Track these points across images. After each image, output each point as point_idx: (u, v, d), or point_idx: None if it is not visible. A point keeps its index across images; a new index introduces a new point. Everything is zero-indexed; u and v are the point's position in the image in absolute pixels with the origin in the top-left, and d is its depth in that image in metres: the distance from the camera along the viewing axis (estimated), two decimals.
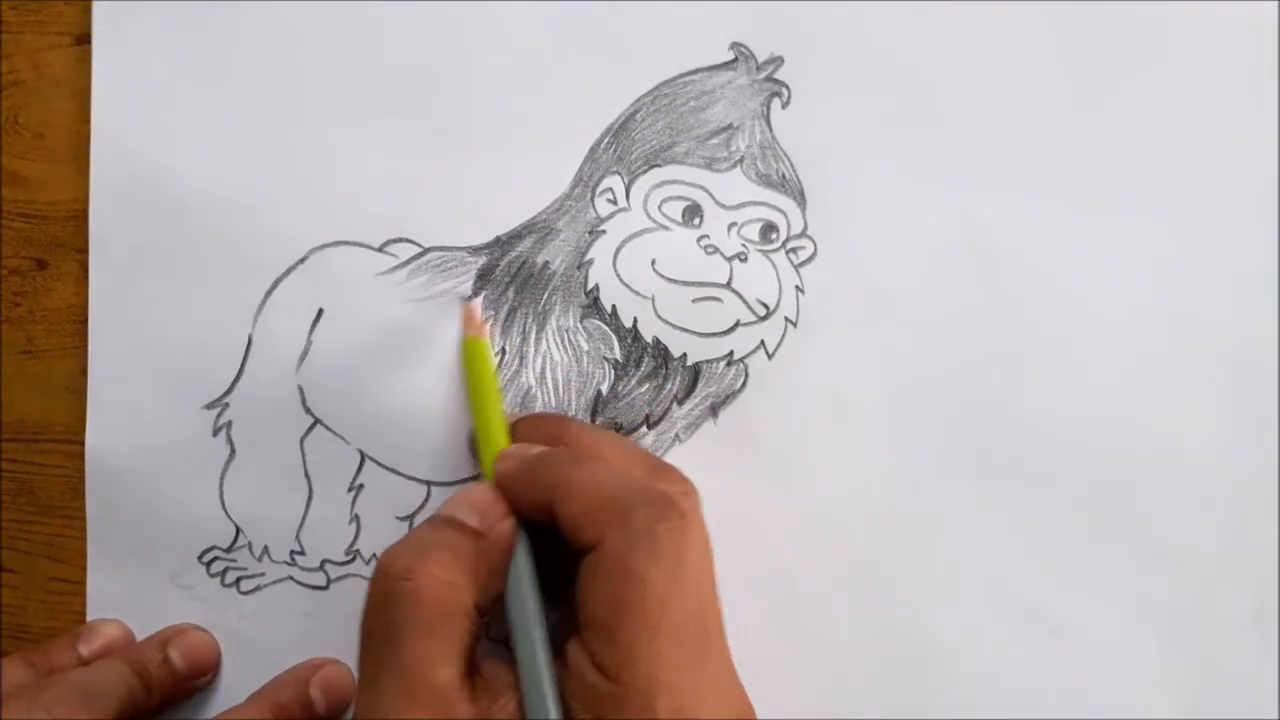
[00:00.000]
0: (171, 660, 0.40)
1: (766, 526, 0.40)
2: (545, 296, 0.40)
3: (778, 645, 0.40)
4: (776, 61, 0.40)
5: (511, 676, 0.33)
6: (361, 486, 0.40)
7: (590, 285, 0.40)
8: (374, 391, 0.40)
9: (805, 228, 0.40)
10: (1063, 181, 0.40)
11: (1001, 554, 0.40)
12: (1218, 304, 0.40)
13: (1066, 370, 0.40)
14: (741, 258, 0.40)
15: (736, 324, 0.40)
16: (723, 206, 0.40)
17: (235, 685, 0.41)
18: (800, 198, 0.40)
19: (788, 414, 0.40)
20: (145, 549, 0.41)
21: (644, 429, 0.40)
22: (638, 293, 0.40)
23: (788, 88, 0.40)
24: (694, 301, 0.40)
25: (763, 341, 0.40)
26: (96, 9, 0.41)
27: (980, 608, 0.40)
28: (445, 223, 0.40)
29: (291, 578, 0.41)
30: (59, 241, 0.41)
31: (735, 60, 0.40)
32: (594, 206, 0.40)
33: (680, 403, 0.40)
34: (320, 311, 0.40)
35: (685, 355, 0.40)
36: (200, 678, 0.40)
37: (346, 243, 0.40)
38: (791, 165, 0.40)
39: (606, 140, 0.40)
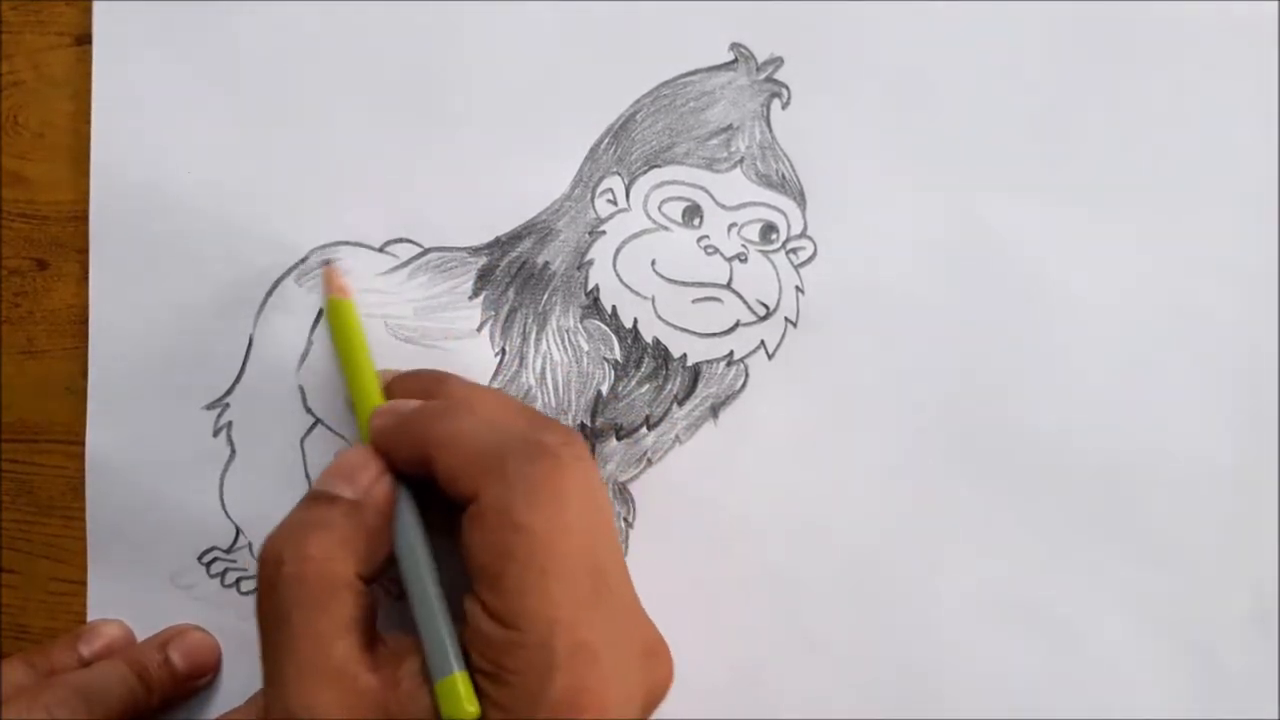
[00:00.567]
0: (172, 661, 0.40)
1: (766, 526, 0.40)
2: (545, 297, 0.40)
3: (778, 645, 0.40)
4: (776, 62, 0.40)
5: (414, 639, 0.33)
6: None
7: (590, 286, 0.40)
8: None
9: (805, 228, 0.40)
10: (1063, 182, 0.40)
11: (1001, 554, 0.40)
12: (1219, 303, 0.40)
13: (1067, 370, 0.40)
14: (741, 258, 0.40)
15: (736, 324, 0.40)
16: (723, 207, 0.40)
17: (235, 686, 0.41)
18: (800, 198, 0.40)
19: (788, 414, 0.40)
20: (145, 549, 0.41)
21: (644, 429, 0.40)
22: (638, 293, 0.40)
23: (788, 88, 0.40)
24: (694, 302, 0.40)
25: (763, 342, 0.40)
26: (96, 9, 0.41)
27: (980, 607, 0.40)
28: (445, 223, 0.40)
29: None
30: (59, 242, 0.41)
31: (735, 61, 0.40)
32: (594, 207, 0.40)
33: (680, 403, 0.40)
34: (320, 311, 0.40)
35: (685, 355, 0.40)
36: (200, 678, 0.40)
37: (347, 243, 0.40)
38: (791, 166, 0.40)
39: (606, 141, 0.40)
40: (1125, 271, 0.40)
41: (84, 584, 0.41)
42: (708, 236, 0.40)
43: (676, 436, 0.40)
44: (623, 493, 0.40)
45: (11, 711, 0.36)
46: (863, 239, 0.40)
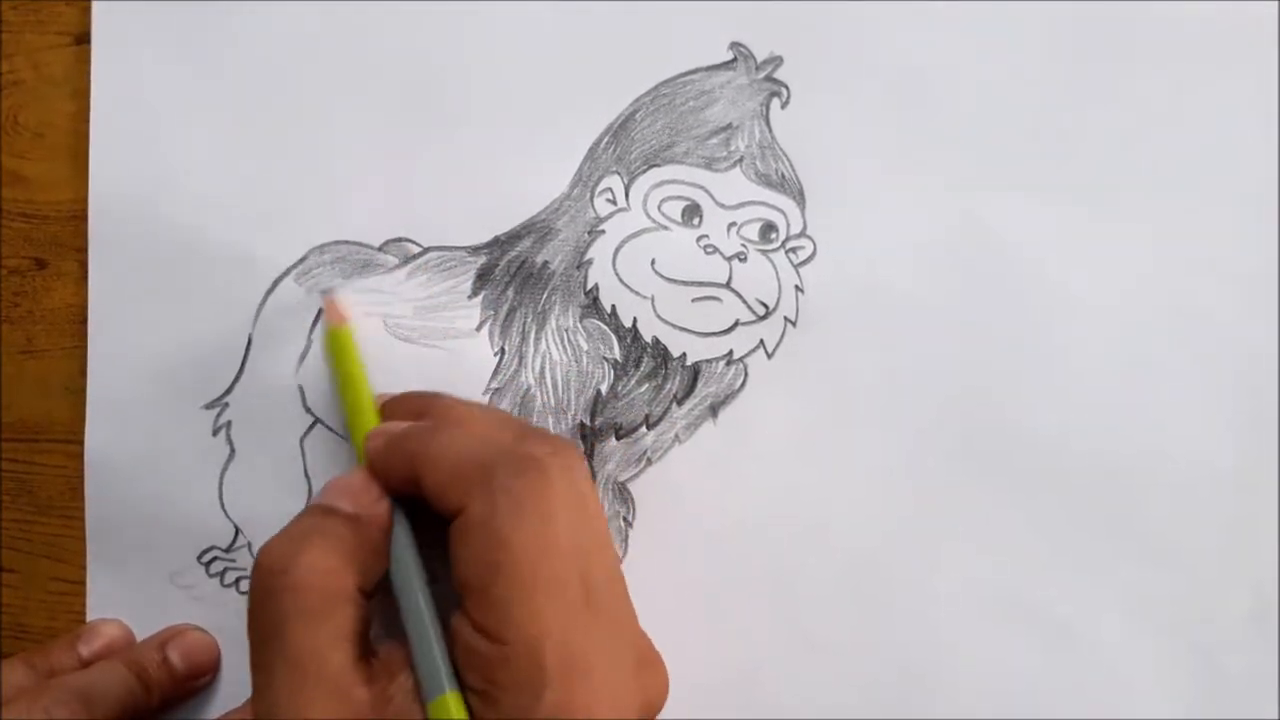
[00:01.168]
0: (171, 661, 0.40)
1: (766, 526, 0.40)
2: (545, 296, 0.40)
3: (778, 645, 0.40)
4: (776, 61, 0.40)
5: (407, 653, 0.33)
6: None
7: (590, 285, 0.40)
8: (373, 390, 0.40)
9: (805, 227, 0.40)
10: (1063, 182, 0.40)
11: (1001, 553, 0.40)
12: (1218, 303, 0.40)
13: (1067, 370, 0.40)
14: (741, 257, 0.40)
15: (736, 323, 0.40)
16: (722, 206, 0.40)
17: (235, 686, 0.41)
18: (800, 197, 0.40)
19: (788, 414, 0.40)
20: (145, 549, 0.41)
21: (644, 429, 0.40)
22: (637, 292, 0.40)
23: (787, 87, 0.40)
24: (693, 301, 0.40)
25: (762, 341, 0.40)
26: (96, 9, 0.41)
27: (980, 607, 0.40)
28: (445, 222, 0.40)
29: None
30: (59, 241, 0.41)
31: (735, 60, 0.40)
32: (593, 206, 0.40)
33: (680, 402, 0.40)
34: (320, 311, 0.40)
35: (685, 355, 0.40)
36: (200, 678, 0.40)
37: (346, 242, 0.40)
38: (791, 165, 0.40)
39: (606, 140, 0.40)
40: (1125, 271, 0.40)
41: (83, 584, 0.41)
42: (707, 236, 0.40)
43: (676, 436, 0.40)
44: (622, 492, 0.40)
45: (11, 713, 0.36)
46: (862, 238, 0.40)
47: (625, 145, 0.40)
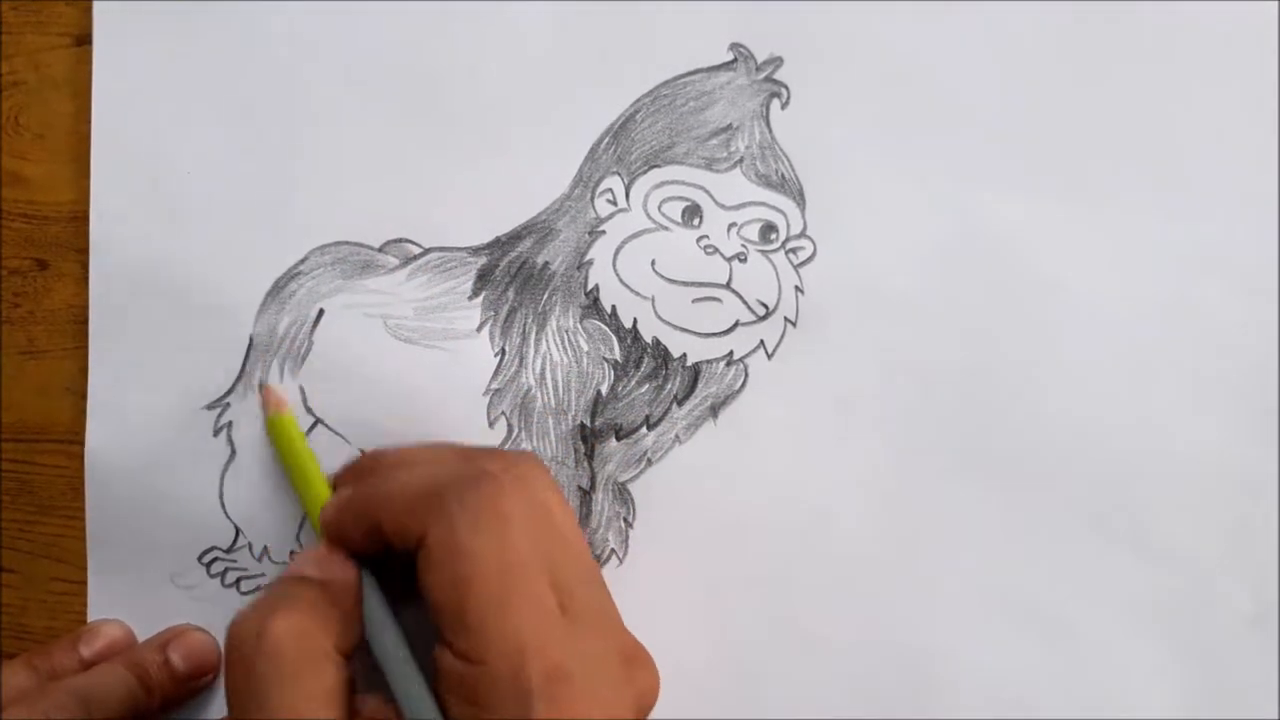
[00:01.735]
0: (172, 662, 0.40)
1: (766, 526, 0.40)
2: (545, 297, 0.40)
3: (778, 645, 0.40)
4: (776, 62, 0.40)
5: (392, 706, 0.33)
6: None
7: (590, 285, 0.40)
8: (374, 391, 0.40)
9: (805, 228, 0.40)
10: (1063, 181, 0.40)
11: (1001, 553, 0.40)
12: (1218, 302, 0.40)
13: (1067, 370, 0.40)
14: (741, 258, 0.40)
15: (736, 324, 0.40)
16: (722, 207, 0.40)
17: None
18: (800, 198, 0.40)
19: (788, 414, 0.40)
20: (145, 549, 0.41)
21: (644, 429, 0.40)
22: (638, 293, 0.40)
23: (787, 88, 0.40)
24: (694, 302, 0.40)
25: (762, 341, 0.40)
26: (97, 9, 0.41)
27: (980, 607, 0.40)
28: (445, 223, 0.40)
29: None
30: (59, 242, 0.41)
31: (735, 61, 0.40)
32: (594, 207, 0.40)
33: (680, 403, 0.40)
34: (320, 311, 0.40)
35: (685, 355, 0.40)
36: (201, 679, 0.40)
37: (347, 243, 0.40)
38: (791, 165, 0.40)
39: (606, 141, 0.40)
40: (1126, 272, 0.40)
41: (84, 584, 0.41)
42: (707, 236, 0.40)
43: (676, 436, 0.40)
44: (623, 493, 0.40)
45: (11, 715, 0.36)
46: (863, 239, 0.40)
47: (626, 146, 0.40)
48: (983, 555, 0.40)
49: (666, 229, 0.40)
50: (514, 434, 0.40)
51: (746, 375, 0.40)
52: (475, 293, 0.40)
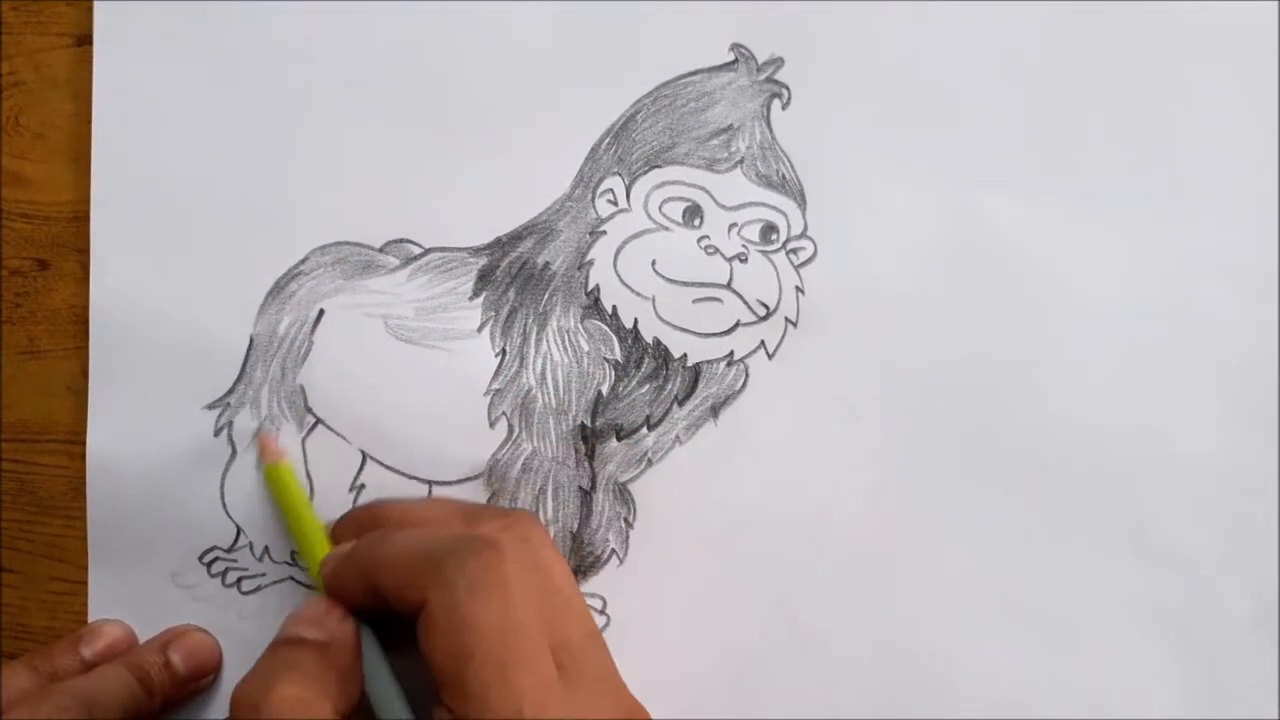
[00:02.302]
0: (173, 663, 0.40)
1: (766, 526, 0.40)
2: (546, 297, 0.40)
3: (778, 645, 0.40)
4: (776, 62, 0.40)
5: None
6: (363, 486, 0.40)
7: (591, 286, 0.40)
8: (375, 391, 0.40)
9: (805, 228, 0.40)
10: (1062, 181, 0.40)
11: (1001, 554, 0.40)
12: (1218, 303, 0.40)
13: (1067, 370, 0.40)
14: (742, 258, 0.40)
15: (737, 324, 0.40)
16: (723, 207, 0.40)
17: None
18: (800, 198, 0.40)
19: (788, 414, 0.40)
20: (146, 549, 0.41)
21: (645, 429, 0.40)
22: (638, 293, 0.40)
23: (788, 88, 0.40)
24: (694, 302, 0.40)
25: (763, 342, 0.40)
26: (97, 9, 0.41)
27: (980, 607, 0.40)
28: (446, 223, 0.40)
29: (292, 578, 0.41)
30: (60, 242, 0.41)
31: (735, 61, 0.40)
32: (594, 207, 0.40)
33: (681, 403, 0.40)
34: (321, 311, 0.40)
35: (686, 356, 0.40)
36: (202, 679, 0.40)
37: (347, 243, 0.40)
38: (791, 166, 0.40)
39: (607, 141, 0.40)
40: (1125, 271, 0.40)
41: (84, 584, 0.41)
42: (708, 236, 0.40)
43: (677, 436, 0.40)
44: (623, 493, 0.40)
45: (13, 716, 0.36)
46: (863, 239, 0.40)
47: (626, 146, 0.40)
48: (983, 555, 0.40)
49: (667, 229, 0.40)
50: (515, 434, 0.40)
51: (747, 376, 0.40)
52: (476, 293, 0.40)
